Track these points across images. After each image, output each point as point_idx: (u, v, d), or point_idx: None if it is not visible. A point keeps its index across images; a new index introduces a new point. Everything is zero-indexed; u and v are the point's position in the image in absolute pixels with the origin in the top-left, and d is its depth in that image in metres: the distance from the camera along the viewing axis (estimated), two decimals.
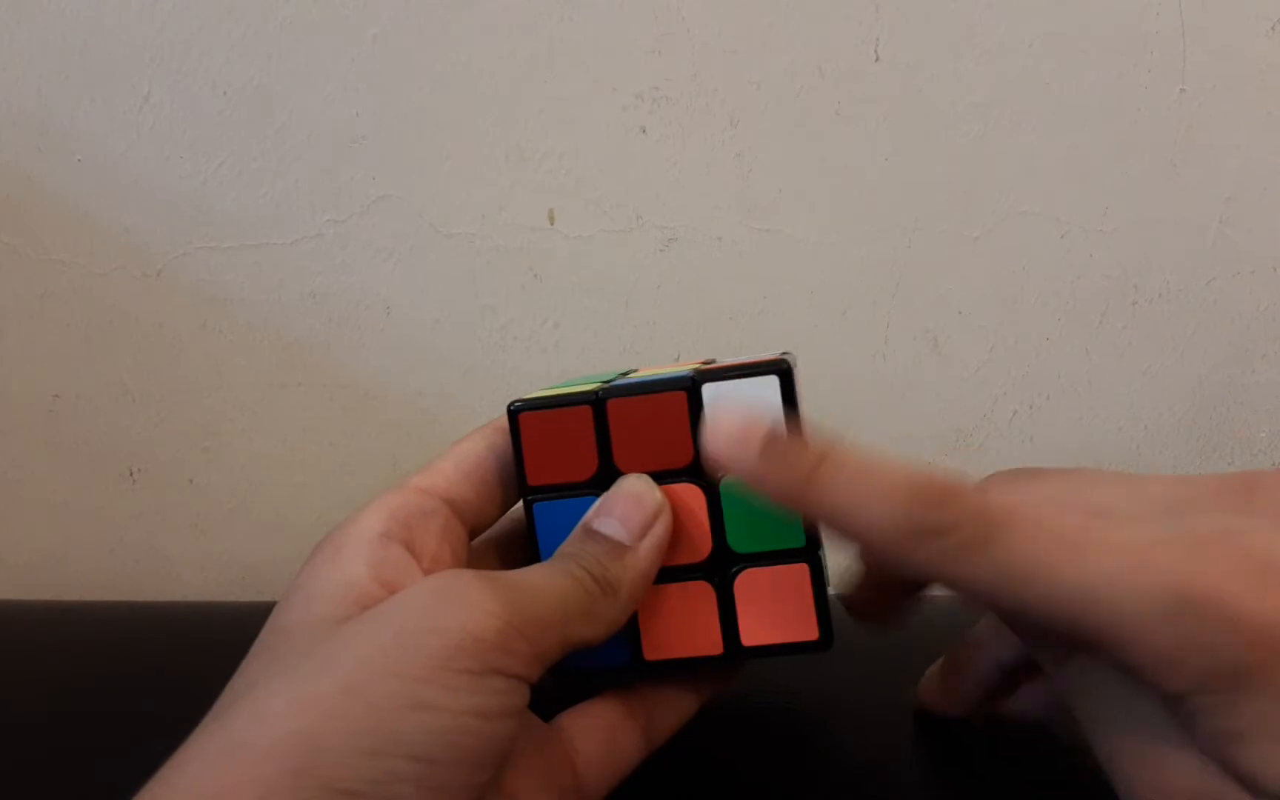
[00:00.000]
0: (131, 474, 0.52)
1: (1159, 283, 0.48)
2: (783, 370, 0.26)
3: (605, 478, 0.27)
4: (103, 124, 0.48)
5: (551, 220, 0.48)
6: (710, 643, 0.27)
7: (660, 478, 0.26)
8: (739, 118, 0.47)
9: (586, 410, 0.27)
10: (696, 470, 0.26)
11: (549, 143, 0.48)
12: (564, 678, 0.27)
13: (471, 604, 0.21)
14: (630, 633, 0.27)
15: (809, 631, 0.26)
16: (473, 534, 0.28)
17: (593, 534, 0.25)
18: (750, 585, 0.27)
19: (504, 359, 0.49)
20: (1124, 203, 0.47)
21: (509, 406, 0.27)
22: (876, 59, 0.46)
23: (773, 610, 0.26)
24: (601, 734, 0.27)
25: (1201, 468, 0.50)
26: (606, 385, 0.27)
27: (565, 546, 0.25)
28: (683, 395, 0.26)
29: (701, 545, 0.27)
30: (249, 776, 0.19)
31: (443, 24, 0.46)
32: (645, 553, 0.25)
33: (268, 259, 0.49)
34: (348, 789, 0.19)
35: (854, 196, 0.48)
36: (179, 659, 0.38)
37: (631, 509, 0.25)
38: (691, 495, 0.27)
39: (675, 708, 0.28)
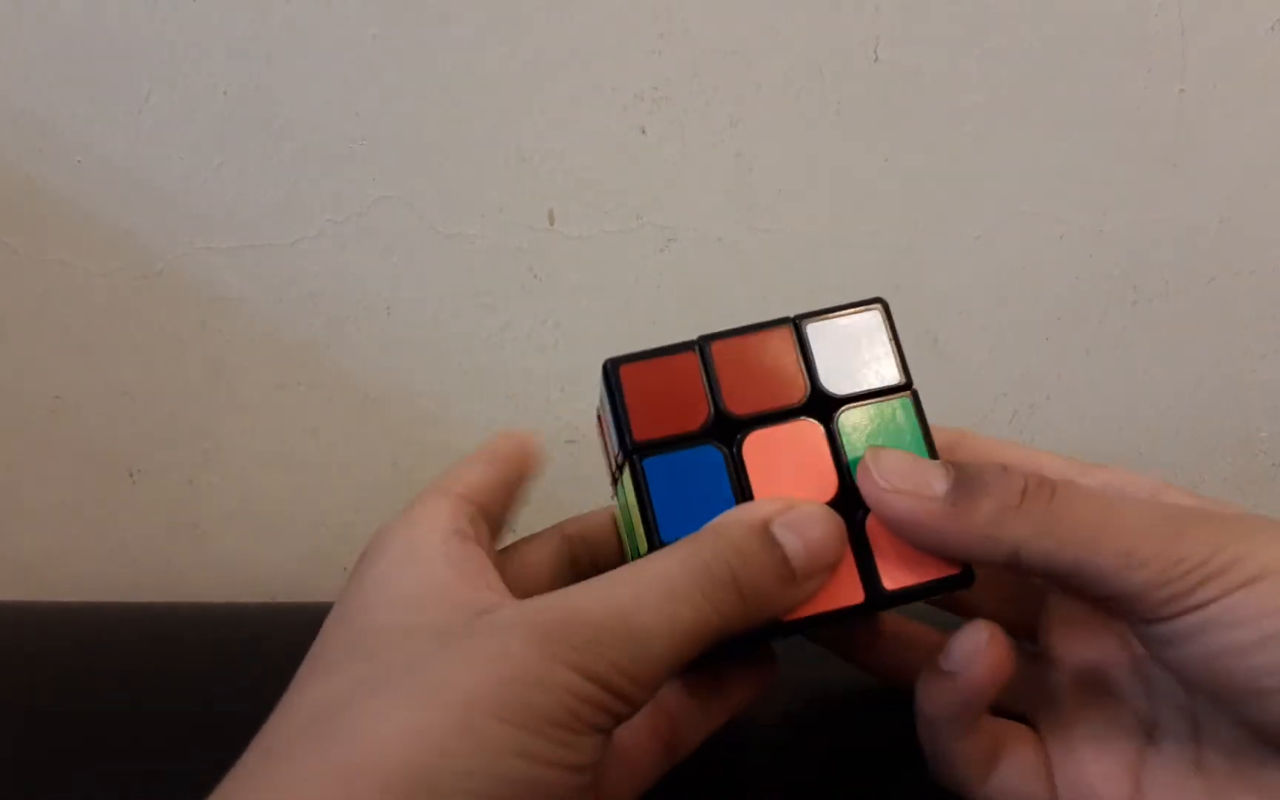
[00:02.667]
0: (131, 475, 0.52)
1: (1159, 282, 0.48)
2: (883, 302, 0.26)
3: (720, 425, 0.26)
4: (103, 124, 0.48)
5: (551, 220, 0.48)
6: (850, 591, 0.25)
7: (773, 418, 0.26)
8: (739, 118, 0.47)
9: (692, 356, 0.26)
10: (811, 406, 0.26)
11: (549, 143, 0.47)
12: (696, 663, 0.25)
13: (578, 664, 0.21)
14: None
15: (950, 565, 0.25)
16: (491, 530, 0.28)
17: (773, 545, 0.23)
18: (882, 527, 0.25)
19: (504, 359, 0.49)
20: (1124, 202, 0.47)
21: (605, 364, 0.26)
22: (876, 59, 0.46)
23: (909, 548, 0.25)
24: (621, 748, 0.26)
25: (1202, 467, 0.50)
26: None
27: (738, 542, 0.23)
28: (788, 330, 0.26)
29: (826, 485, 0.25)
30: None
31: (443, 24, 0.46)
32: (807, 591, 0.24)
33: (268, 259, 0.49)
34: None
35: (854, 196, 0.48)
36: (179, 660, 0.38)
37: (820, 543, 0.24)
38: (810, 431, 0.26)
39: (703, 719, 0.27)
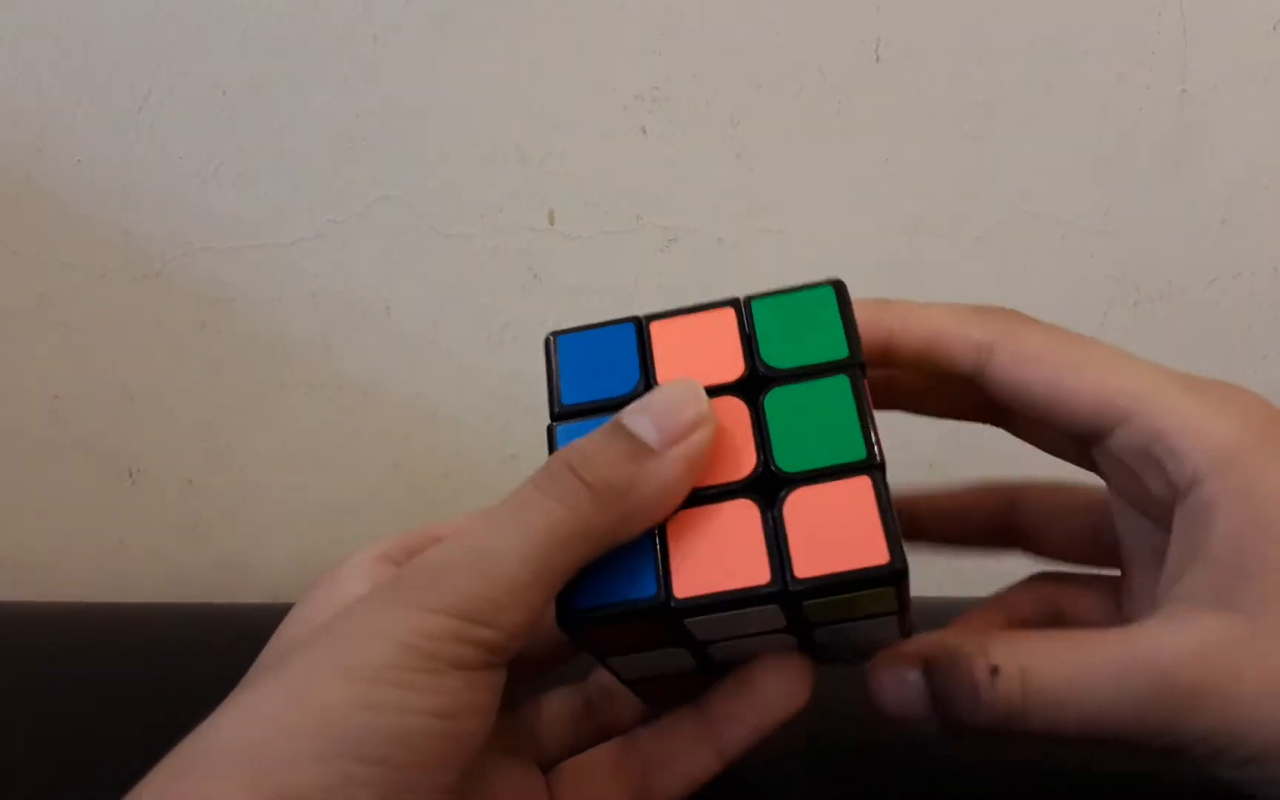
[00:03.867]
0: (131, 475, 0.52)
1: (1160, 283, 0.48)
2: (838, 283, 0.25)
3: (751, 382, 0.24)
4: (102, 124, 0.48)
5: (551, 220, 0.48)
6: (755, 571, 0.22)
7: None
8: (739, 118, 0.47)
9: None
10: (741, 386, 0.24)
11: (549, 143, 0.47)
12: (575, 625, 0.23)
13: (421, 601, 0.20)
14: (661, 562, 0.22)
15: (877, 554, 0.21)
16: None
17: (618, 430, 0.22)
18: (802, 508, 0.22)
19: (504, 359, 0.49)
20: (1125, 203, 0.47)
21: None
22: (877, 59, 0.46)
23: (830, 534, 0.22)
24: (585, 785, 0.25)
25: None
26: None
27: (582, 444, 0.22)
28: (731, 311, 0.25)
29: (743, 462, 0.23)
30: (203, 794, 0.18)
31: (442, 24, 0.46)
32: (671, 462, 0.22)
33: (267, 259, 0.49)
34: (303, 797, 0.18)
35: (854, 196, 0.48)
36: (178, 660, 0.38)
37: (670, 409, 0.22)
38: (732, 407, 0.24)
39: (681, 763, 0.25)
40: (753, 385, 0.24)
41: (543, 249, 0.48)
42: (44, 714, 0.35)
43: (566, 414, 0.25)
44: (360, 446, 0.51)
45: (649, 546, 0.23)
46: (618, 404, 0.24)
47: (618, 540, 0.22)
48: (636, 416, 0.23)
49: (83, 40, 0.47)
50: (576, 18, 0.46)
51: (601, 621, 0.22)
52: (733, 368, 0.24)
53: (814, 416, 0.23)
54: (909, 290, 0.48)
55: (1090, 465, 0.27)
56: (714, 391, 0.24)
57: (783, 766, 0.30)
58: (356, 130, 0.47)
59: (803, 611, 0.22)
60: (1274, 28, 0.45)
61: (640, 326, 0.26)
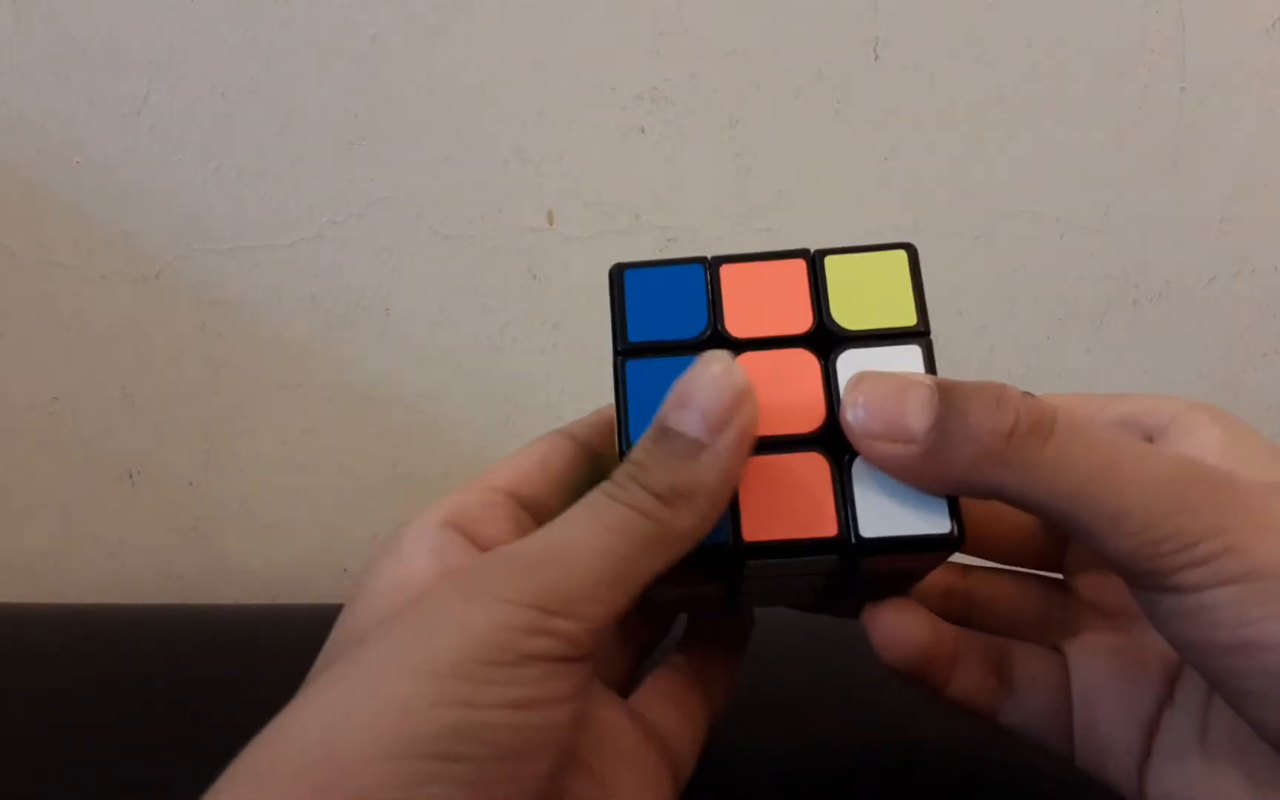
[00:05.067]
0: (131, 476, 0.52)
1: (1159, 282, 0.48)
2: (910, 247, 0.25)
3: (716, 344, 0.25)
4: (101, 126, 0.48)
5: (551, 221, 0.48)
6: (823, 522, 0.23)
7: (773, 343, 0.25)
8: (738, 118, 0.47)
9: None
10: (809, 339, 0.25)
11: (548, 143, 0.47)
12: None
13: (497, 592, 0.20)
14: (731, 509, 0.23)
15: (939, 522, 0.23)
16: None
17: (666, 434, 0.22)
18: (871, 469, 0.23)
19: (503, 359, 0.49)
20: (1124, 202, 0.47)
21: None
22: (876, 59, 0.46)
23: (895, 498, 0.23)
24: (672, 703, 0.26)
25: None
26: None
27: (635, 455, 0.22)
28: (802, 262, 0.25)
29: (814, 415, 0.24)
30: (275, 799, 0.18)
31: (441, 25, 0.46)
32: (726, 448, 0.22)
33: (267, 261, 0.49)
34: (382, 798, 0.18)
35: (853, 196, 0.48)
36: (178, 661, 0.38)
37: (709, 397, 0.22)
38: (803, 360, 0.24)
39: (725, 668, 0.28)
40: (821, 340, 0.25)
41: (542, 249, 0.48)
42: (44, 714, 0.35)
43: (632, 350, 0.25)
44: (360, 446, 0.51)
45: None
46: (685, 346, 0.25)
47: (701, 536, 0.22)
48: (678, 414, 0.22)
49: (83, 40, 0.47)
50: (575, 18, 0.46)
51: (679, 567, 0.23)
52: (801, 320, 0.25)
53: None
54: None
55: None
56: (783, 343, 0.25)
57: (786, 770, 0.31)
58: (355, 130, 0.48)
59: (859, 565, 0.23)
60: (1272, 26, 0.45)
61: (710, 268, 0.26)
